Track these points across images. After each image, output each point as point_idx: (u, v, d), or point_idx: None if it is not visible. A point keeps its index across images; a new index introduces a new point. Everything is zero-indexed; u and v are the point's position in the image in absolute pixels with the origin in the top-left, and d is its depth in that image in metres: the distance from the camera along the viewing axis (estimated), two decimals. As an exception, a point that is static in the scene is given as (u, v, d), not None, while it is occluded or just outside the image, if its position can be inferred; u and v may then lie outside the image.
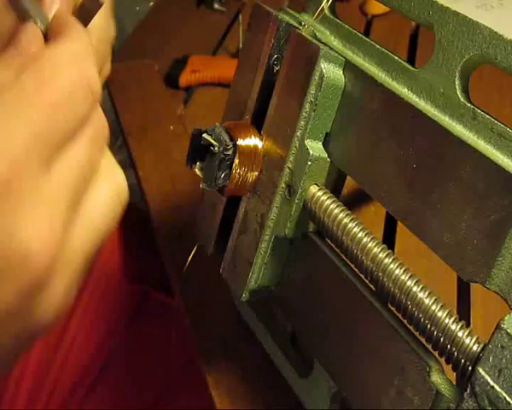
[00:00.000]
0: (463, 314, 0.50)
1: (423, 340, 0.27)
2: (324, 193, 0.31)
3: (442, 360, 0.26)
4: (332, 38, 0.33)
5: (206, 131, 0.32)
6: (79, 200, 0.25)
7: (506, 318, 0.23)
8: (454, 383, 0.26)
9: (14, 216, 0.21)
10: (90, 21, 0.29)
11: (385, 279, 0.27)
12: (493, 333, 0.23)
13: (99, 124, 0.27)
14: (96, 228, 0.26)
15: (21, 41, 0.25)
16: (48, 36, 0.27)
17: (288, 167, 0.32)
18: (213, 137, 0.32)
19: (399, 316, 0.28)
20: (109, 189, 0.27)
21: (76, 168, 0.25)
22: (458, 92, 0.26)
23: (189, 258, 0.42)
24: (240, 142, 0.32)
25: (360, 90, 0.30)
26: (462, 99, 0.26)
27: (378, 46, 0.31)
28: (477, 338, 0.25)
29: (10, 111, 0.22)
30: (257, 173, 0.34)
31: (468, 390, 0.24)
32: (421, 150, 0.27)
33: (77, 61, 0.25)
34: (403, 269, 0.27)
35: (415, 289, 0.26)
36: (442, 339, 0.25)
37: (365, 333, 0.30)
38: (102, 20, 0.33)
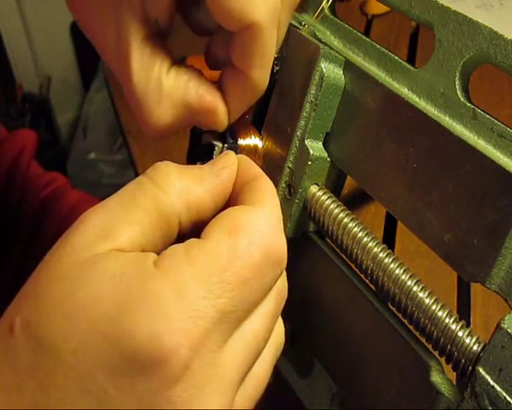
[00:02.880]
0: (463, 314, 0.50)
1: (423, 340, 0.27)
2: (324, 193, 0.31)
3: (442, 360, 0.26)
4: (332, 37, 0.33)
5: (206, 131, 0.32)
6: (247, 373, 0.23)
7: (506, 318, 0.23)
8: (454, 383, 0.26)
9: (192, 400, 0.20)
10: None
11: (385, 279, 0.27)
12: (493, 333, 0.23)
13: (281, 294, 0.25)
14: (254, 396, 0.24)
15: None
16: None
17: (289, 167, 0.32)
18: (213, 136, 0.32)
19: (399, 316, 0.28)
20: (272, 353, 0.25)
21: (251, 344, 0.23)
22: (458, 92, 0.26)
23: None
24: (240, 141, 0.32)
25: (360, 90, 0.30)
26: (462, 99, 0.26)
27: (378, 46, 0.31)
28: (477, 338, 0.25)
29: (202, 286, 0.21)
30: (257, 173, 0.34)
31: (469, 390, 0.24)
32: (421, 150, 0.27)
33: (271, 233, 0.24)
34: (403, 269, 0.27)
35: (415, 289, 0.26)
36: (442, 339, 0.25)
37: (365, 333, 0.30)
38: None
